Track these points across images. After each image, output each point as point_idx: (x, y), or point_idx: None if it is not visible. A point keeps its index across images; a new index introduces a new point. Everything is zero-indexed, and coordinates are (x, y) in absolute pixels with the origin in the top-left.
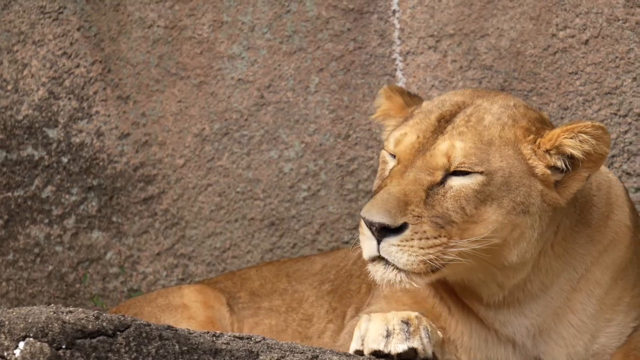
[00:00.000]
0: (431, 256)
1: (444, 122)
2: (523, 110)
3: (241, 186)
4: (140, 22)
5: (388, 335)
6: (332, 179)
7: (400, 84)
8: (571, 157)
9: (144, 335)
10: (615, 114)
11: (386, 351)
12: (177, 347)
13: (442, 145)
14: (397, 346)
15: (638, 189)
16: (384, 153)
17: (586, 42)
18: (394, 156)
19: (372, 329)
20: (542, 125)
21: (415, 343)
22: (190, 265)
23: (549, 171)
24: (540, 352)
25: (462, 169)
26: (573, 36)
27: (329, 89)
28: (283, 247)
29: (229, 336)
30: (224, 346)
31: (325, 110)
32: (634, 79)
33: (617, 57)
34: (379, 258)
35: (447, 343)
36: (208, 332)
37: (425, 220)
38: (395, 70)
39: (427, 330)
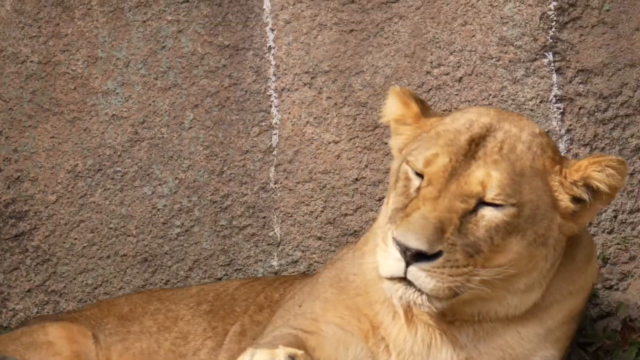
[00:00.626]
0: (458, 283)
1: (474, 146)
2: (547, 139)
3: (114, 222)
4: (14, 58)
5: None
6: (206, 215)
7: (275, 121)
8: (594, 190)
9: None
10: None
11: None
12: None
13: (478, 172)
14: None
15: None
16: (407, 169)
17: (460, 79)
18: (420, 175)
19: (257, 358)
20: (558, 153)
21: None
22: (61, 301)
23: (572, 205)
24: (478, 352)
25: (497, 202)
26: (447, 73)
27: (204, 125)
28: (156, 284)
29: None
30: None
31: (200, 146)
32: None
33: (490, 95)
34: (401, 279)
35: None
36: None
37: (458, 249)
38: (271, 106)
39: None
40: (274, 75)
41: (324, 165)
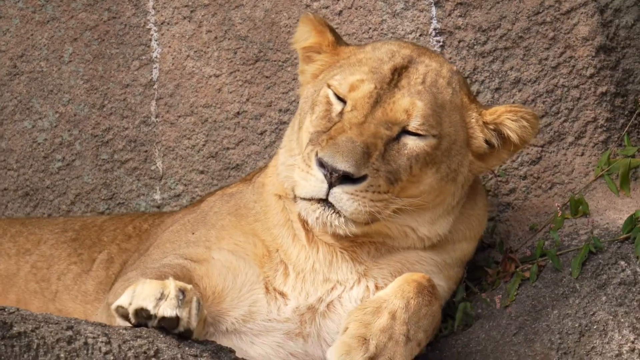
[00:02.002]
0: (377, 209)
1: (397, 75)
2: (462, 77)
3: None
4: None
5: (161, 298)
6: (87, 149)
7: (155, 54)
8: (504, 137)
9: None
10: None
11: (153, 312)
12: None
13: (403, 101)
14: (167, 310)
15: None
16: (328, 93)
17: (340, 12)
18: (341, 100)
19: (147, 288)
20: (473, 94)
21: (183, 314)
22: None
23: (485, 145)
24: (377, 264)
25: (420, 132)
26: (327, 7)
27: (83, 58)
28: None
29: None
30: None
31: (80, 80)
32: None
33: (370, 28)
34: (321, 200)
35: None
36: None
37: (382, 174)
38: (150, 40)
39: (199, 304)
40: (153, 8)
41: (205, 99)
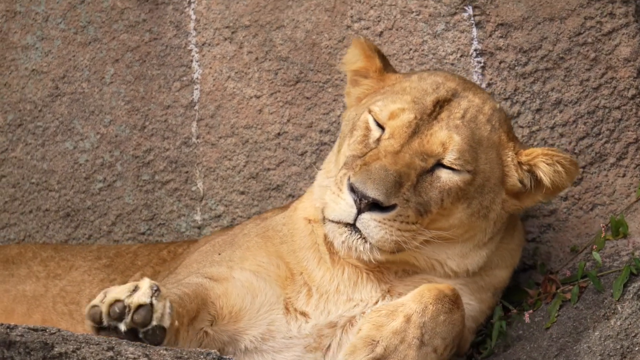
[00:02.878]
0: (404, 239)
1: (438, 107)
2: (505, 115)
3: (36, 177)
4: None
5: (135, 290)
6: (128, 170)
7: (196, 76)
8: (537, 179)
9: None
10: None
11: (127, 302)
12: None
13: (440, 134)
14: (141, 298)
15: None
16: (368, 119)
17: (381, 33)
18: (381, 127)
19: (121, 286)
20: (513, 132)
21: (158, 304)
22: None
23: (519, 184)
24: (403, 284)
25: (454, 166)
26: (368, 28)
27: (125, 79)
28: (79, 239)
29: (23, 328)
30: (18, 338)
31: (121, 101)
32: (428, 70)
33: (411, 49)
34: (349, 225)
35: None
36: (2, 324)
37: (412, 205)
38: (192, 61)
39: (172, 307)
40: (195, 29)
41: (246, 120)
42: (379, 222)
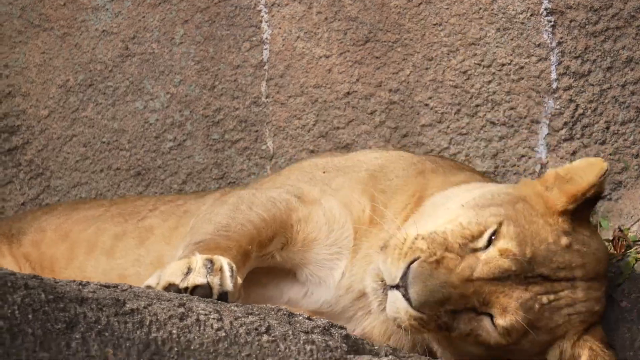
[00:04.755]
0: (412, 330)
1: (541, 279)
2: (599, 308)
3: (106, 136)
4: None
5: (188, 272)
6: (198, 129)
7: (265, 36)
8: None
9: (9, 284)
10: (479, 65)
11: (182, 286)
12: (43, 295)
13: (511, 303)
14: (197, 279)
15: (501, 137)
16: (492, 228)
17: None
18: (489, 241)
19: (173, 266)
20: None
21: (214, 280)
22: None
23: None
24: None
25: (498, 329)
26: None
27: (194, 40)
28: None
29: (95, 285)
30: (90, 294)
31: (191, 61)
32: (498, 29)
33: (480, 9)
34: (384, 282)
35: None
36: (74, 281)
37: (439, 322)
38: (261, 22)
39: (231, 268)
40: None
41: (315, 80)
42: (402, 309)
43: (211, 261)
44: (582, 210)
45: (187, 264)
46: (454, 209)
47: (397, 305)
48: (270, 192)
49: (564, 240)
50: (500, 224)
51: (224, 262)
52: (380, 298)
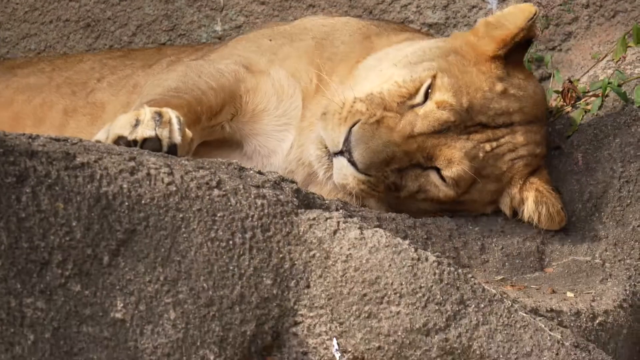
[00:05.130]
0: (362, 195)
1: (480, 127)
2: (541, 152)
3: None
4: None
5: (136, 124)
6: None
7: None
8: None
9: None
10: None
11: (130, 138)
12: None
13: (456, 154)
14: (145, 131)
15: None
16: (426, 82)
17: None
18: (425, 95)
19: (122, 119)
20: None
21: (163, 133)
22: None
23: (505, 210)
24: None
25: (446, 182)
26: None
27: None
28: (99, 49)
29: (45, 138)
30: (40, 148)
31: None
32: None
33: None
34: (328, 150)
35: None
36: (24, 134)
37: (387, 182)
38: None
39: (179, 120)
40: None
41: None
42: (349, 174)
43: (159, 114)
44: (515, 55)
45: (136, 116)
46: (386, 69)
47: (344, 171)
48: (218, 63)
49: (499, 87)
50: (434, 77)
51: (172, 114)
52: (325, 165)
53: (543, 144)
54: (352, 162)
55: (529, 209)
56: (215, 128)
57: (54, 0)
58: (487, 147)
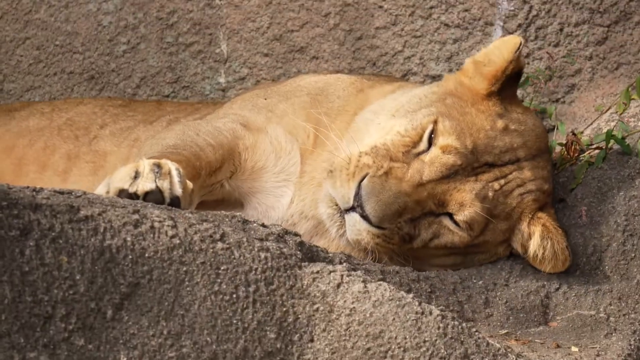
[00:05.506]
0: (378, 249)
1: (487, 167)
2: (548, 188)
3: (60, 39)
4: None
5: (136, 176)
6: (152, 32)
7: None
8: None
9: None
10: None
11: (132, 191)
12: None
13: (466, 196)
14: (146, 185)
15: (456, 40)
16: (429, 127)
17: None
18: (430, 142)
19: (121, 171)
20: (542, 203)
21: (164, 184)
22: None
23: (517, 249)
24: None
25: (459, 227)
26: None
27: None
28: None
29: (49, 191)
30: (44, 201)
31: None
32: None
33: None
34: (339, 207)
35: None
36: (28, 187)
37: (401, 233)
38: None
39: (179, 172)
40: None
41: None
42: (363, 229)
43: (159, 165)
44: (508, 89)
45: (135, 168)
46: (385, 121)
47: (358, 227)
48: (216, 122)
49: (500, 123)
50: (435, 122)
51: (171, 166)
52: (338, 222)
53: (550, 180)
54: (365, 217)
55: (534, 244)
56: (215, 186)
57: (58, 52)
58: (496, 185)
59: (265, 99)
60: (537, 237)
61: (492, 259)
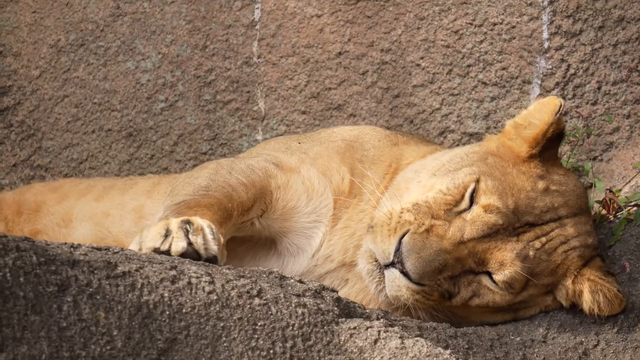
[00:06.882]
0: (416, 305)
1: (528, 227)
2: (591, 251)
3: (98, 97)
4: None
5: (167, 235)
6: (190, 90)
7: None
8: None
9: (0, 247)
10: (471, 24)
11: (164, 249)
12: (34, 258)
13: (507, 255)
14: (178, 244)
15: (493, 98)
16: (471, 186)
17: None
18: (471, 200)
19: (152, 230)
20: (587, 258)
21: (198, 240)
22: (47, 176)
23: (562, 303)
24: None
25: (499, 286)
26: None
27: None
28: (141, 158)
29: (87, 247)
30: (82, 257)
31: (182, 20)
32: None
33: None
34: (378, 262)
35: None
36: (66, 244)
37: (441, 290)
38: None
39: (212, 229)
40: None
41: (307, 39)
42: (402, 285)
43: (188, 222)
44: (549, 151)
45: (165, 226)
46: (426, 179)
47: (397, 283)
48: (249, 160)
49: (541, 184)
50: (477, 181)
51: (203, 223)
52: (377, 279)
53: (593, 234)
54: (405, 273)
55: (587, 302)
56: (245, 224)
57: (97, 110)
58: (537, 244)
59: (299, 143)
60: (587, 294)
61: (542, 310)
